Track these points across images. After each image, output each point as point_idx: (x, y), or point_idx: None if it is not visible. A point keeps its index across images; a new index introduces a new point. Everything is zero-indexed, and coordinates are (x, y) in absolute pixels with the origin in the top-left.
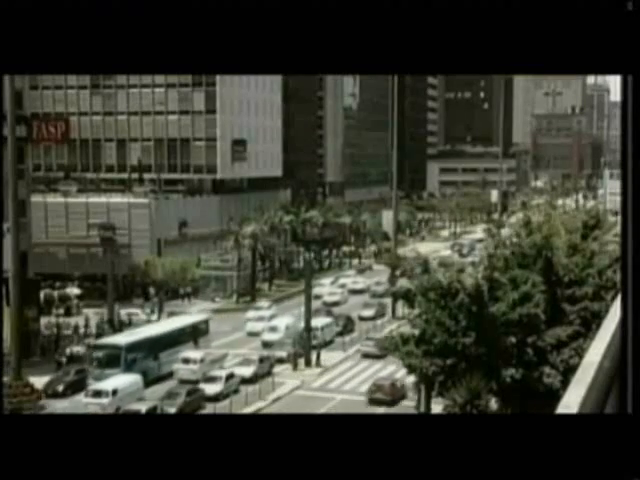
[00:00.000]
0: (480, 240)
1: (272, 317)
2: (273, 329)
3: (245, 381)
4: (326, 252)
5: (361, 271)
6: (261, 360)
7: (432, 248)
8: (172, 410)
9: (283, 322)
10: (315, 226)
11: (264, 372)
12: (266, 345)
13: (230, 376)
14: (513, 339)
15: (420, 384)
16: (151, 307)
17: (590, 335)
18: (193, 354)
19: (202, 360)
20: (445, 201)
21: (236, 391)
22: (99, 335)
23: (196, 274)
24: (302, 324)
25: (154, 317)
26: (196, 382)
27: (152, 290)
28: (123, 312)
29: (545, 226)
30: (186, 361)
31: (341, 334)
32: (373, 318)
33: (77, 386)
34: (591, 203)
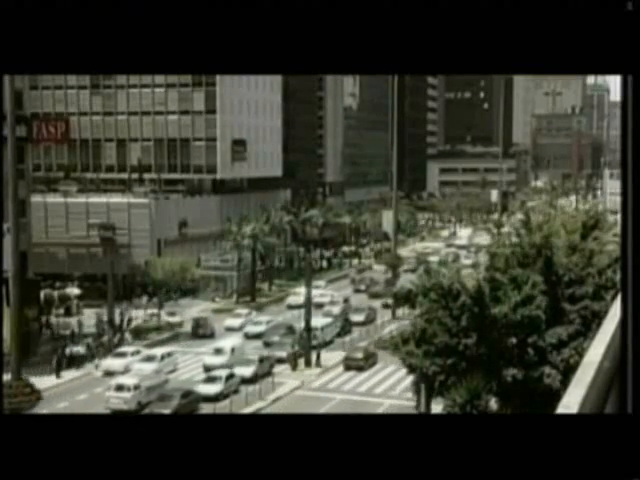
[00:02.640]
0: (463, 247)
1: (165, 357)
2: (218, 351)
3: (245, 381)
4: (327, 252)
5: (360, 271)
6: (261, 360)
7: (431, 249)
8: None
9: (228, 344)
10: (315, 226)
11: (264, 372)
12: (208, 369)
13: (230, 376)
14: (514, 339)
15: (420, 384)
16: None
17: (590, 334)
18: (127, 380)
19: (137, 387)
20: (445, 201)
21: (236, 391)
22: (99, 335)
23: (196, 274)
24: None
25: (177, 319)
26: (129, 412)
27: (149, 291)
28: (142, 312)
29: (545, 226)
30: (119, 388)
31: (339, 335)
32: (363, 323)
33: None
34: (582, 206)
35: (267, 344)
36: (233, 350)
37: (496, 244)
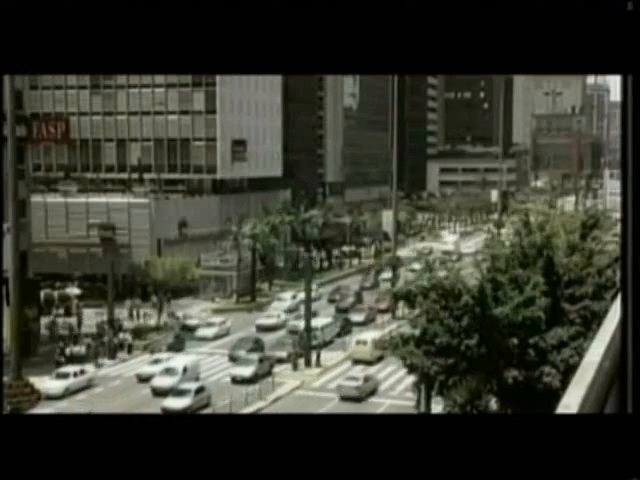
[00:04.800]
0: (448, 252)
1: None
2: (168, 371)
3: (245, 381)
4: (326, 252)
5: (361, 271)
6: (261, 360)
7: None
8: None
9: (180, 363)
10: (315, 226)
11: (264, 372)
12: (157, 393)
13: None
14: (515, 340)
15: (420, 384)
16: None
17: (590, 335)
18: (46, 410)
19: None
20: (445, 201)
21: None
22: (99, 335)
23: (196, 274)
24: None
25: (195, 321)
26: None
27: (149, 290)
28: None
29: (547, 226)
30: None
31: (339, 335)
32: (363, 323)
33: None
34: (581, 207)
35: (233, 359)
36: (185, 370)
37: (491, 248)
